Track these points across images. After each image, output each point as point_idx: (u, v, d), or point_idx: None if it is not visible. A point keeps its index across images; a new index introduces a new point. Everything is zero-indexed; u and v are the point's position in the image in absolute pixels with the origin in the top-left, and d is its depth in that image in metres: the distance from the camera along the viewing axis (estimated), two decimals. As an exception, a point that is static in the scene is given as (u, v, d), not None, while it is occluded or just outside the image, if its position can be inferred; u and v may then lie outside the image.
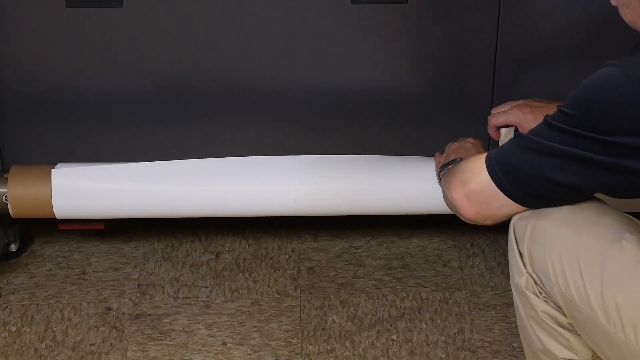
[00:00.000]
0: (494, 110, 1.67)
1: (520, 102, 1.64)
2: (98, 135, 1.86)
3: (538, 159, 1.33)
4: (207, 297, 1.86)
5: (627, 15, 1.33)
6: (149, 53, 1.79)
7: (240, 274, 1.91)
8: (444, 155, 1.67)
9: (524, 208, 1.39)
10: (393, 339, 1.77)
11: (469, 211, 1.43)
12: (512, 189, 1.37)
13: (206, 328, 1.79)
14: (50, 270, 1.92)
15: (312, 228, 2.01)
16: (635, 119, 1.24)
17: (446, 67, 1.82)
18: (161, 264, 1.93)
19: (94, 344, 1.76)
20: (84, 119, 1.85)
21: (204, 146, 1.88)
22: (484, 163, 1.39)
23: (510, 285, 1.87)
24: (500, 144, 1.68)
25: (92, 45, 1.78)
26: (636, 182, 1.29)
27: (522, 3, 1.76)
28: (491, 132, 1.70)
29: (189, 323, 1.80)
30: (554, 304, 1.38)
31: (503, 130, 1.68)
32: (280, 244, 1.98)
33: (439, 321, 1.80)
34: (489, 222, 1.44)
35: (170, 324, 1.80)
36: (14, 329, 1.79)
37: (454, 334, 1.78)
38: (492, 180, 1.38)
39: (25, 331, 1.79)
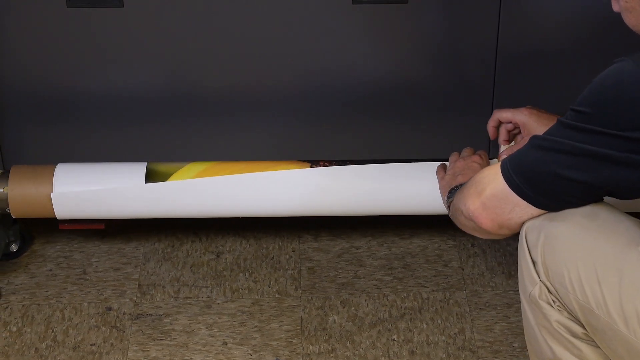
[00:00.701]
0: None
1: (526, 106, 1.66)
2: (98, 135, 1.86)
3: (551, 157, 1.32)
4: (208, 297, 1.86)
5: (630, 20, 1.33)
6: (150, 53, 1.79)
7: (241, 274, 1.91)
8: (448, 173, 1.65)
9: (539, 212, 1.37)
10: (394, 339, 1.77)
11: (486, 219, 1.40)
12: (527, 190, 1.35)
13: (207, 328, 1.79)
14: (50, 270, 1.92)
15: (312, 228, 2.01)
16: None
17: (447, 67, 1.82)
18: (162, 264, 1.93)
19: (94, 344, 1.76)
20: (84, 118, 1.85)
21: (205, 147, 1.88)
22: (499, 169, 1.38)
23: (510, 286, 1.88)
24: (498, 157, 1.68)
25: (92, 45, 1.78)
26: None
27: (523, 2, 1.76)
28: (491, 125, 1.70)
29: (190, 323, 1.80)
30: (568, 312, 1.36)
31: (502, 147, 1.68)
32: (280, 244, 1.98)
33: (439, 321, 1.80)
34: (505, 231, 1.41)
35: (171, 324, 1.80)
36: (14, 329, 1.79)
37: (455, 334, 1.78)
38: (508, 184, 1.36)
39: (25, 331, 1.79)
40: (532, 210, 1.37)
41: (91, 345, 1.76)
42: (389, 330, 1.79)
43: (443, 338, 1.77)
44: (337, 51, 1.79)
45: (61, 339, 1.77)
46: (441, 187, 1.66)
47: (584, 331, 1.35)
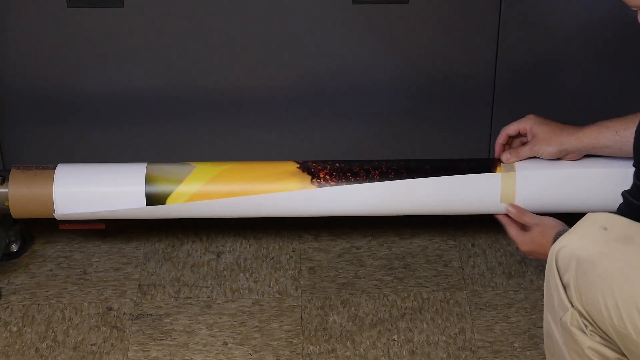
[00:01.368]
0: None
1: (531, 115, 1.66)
2: (99, 135, 1.87)
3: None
4: (208, 297, 1.86)
5: None
6: (150, 53, 1.79)
7: (241, 274, 1.91)
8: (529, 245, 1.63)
9: None
10: (394, 339, 1.77)
11: None
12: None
13: (207, 328, 1.79)
14: (51, 270, 1.92)
15: (313, 228, 2.01)
16: None
17: (447, 67, 1.82)
18: (162, 264, 1.93)
19: (94, 344, 1.76)
20: (84, 119, 1.85)
21: (205, 147, 1.88)
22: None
23: (510, 286, 1.88)
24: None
25: (92, 45, 1.78)
26: None
27: (523, 2, 1.76)
28: (499, 143, 1.70)
29: (190, 323, 1.80)
30: (601, 337, 1.33)
31: (506, 155, 1.69)
32: (281, 244, 1.98)
33: (439, 321, 1.80)
34: None
35: (171, 324, 1.80)
36: (15, 329, 1.79)
37: (455, 334, 1.78)
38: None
39: (26, 331, 1.79)
40: None
41: (91, 345, 1.76)
42: (390, 330, 1.79)
43: (443, 338, 1.77)
44: (337, 51, 1.79)
45: (61, 339, 1.77)
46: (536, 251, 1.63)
47: (618, 356, 1.33)
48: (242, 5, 1.75)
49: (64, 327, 1.80)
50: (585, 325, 1.34)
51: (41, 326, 1.80)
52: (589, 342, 1.34)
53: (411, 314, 1.82)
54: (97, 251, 1.96)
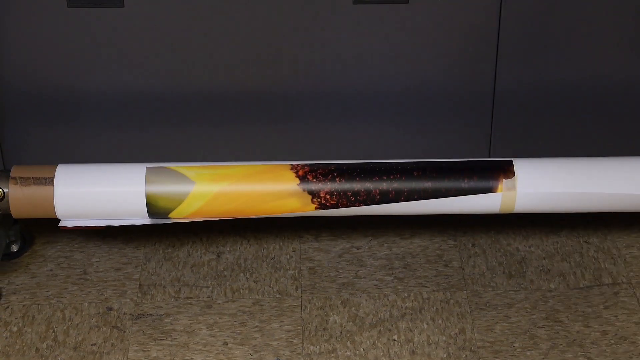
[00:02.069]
0: None
1: None
2: (99, 135, 1.87)
3: None
4: (209, 297, 1.86)
5: None
6: (151, 53, 1.79)
7: (242, 274, 1.91)
8: None
9: None
10: (394, 339, 1.77)
11: None
12: None
13: (207, 328, 1.79)
14: (51, 270, 1.92)
15: (313, 228, 2.01)
16: None
17: (447, 67, 1.82)
18: (162, 264, 1.93)
19: (95, 344, 1.76)
20: (85, 119, 1.85)
21: (206, 147, 1.88)
22: None
23: (511, 286, 1.88)
24: None
25: (93, 45, 1.78)
26: None
27: (524, 2, 1.76)
28: None
29: (190, 323, 1.80)
30: None
31: None
32: (281, 244, 1.98)
33: (440, 321, 1.80)
34: None
35: (172, 324, 1.80)
36: (15, 328, 1.79)
37: (455, 334, 1.78)
38: None
39: (26, 331, 1.79)
40: None
41: (92, 345, 1.76)
42: (390, 330, 1.79)
43: (444, 338, 1.77)
44: (337, 51, 1.79)
45: (62, 339, 1.77)
46: None
47: None
48: (242, 5, 1.74)
49: (64, 327, 1.80)
50: None
51: (41, 326, 1.80)
52: None
53: (411, 314, 1.82)
54: (98, 251, 1.96)
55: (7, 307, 1.84)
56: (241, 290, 1.88)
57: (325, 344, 1.76)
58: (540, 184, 1.71)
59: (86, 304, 1.84)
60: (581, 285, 1.88)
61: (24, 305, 1.84)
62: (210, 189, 1.71)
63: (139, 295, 1.86)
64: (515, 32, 1.78)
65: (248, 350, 1.75)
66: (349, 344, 1.76)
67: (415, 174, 1.71)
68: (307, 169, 1.72)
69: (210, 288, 1.88)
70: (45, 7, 1.74)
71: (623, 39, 1.80)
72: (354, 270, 1.92)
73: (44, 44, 1.77)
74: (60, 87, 1.82)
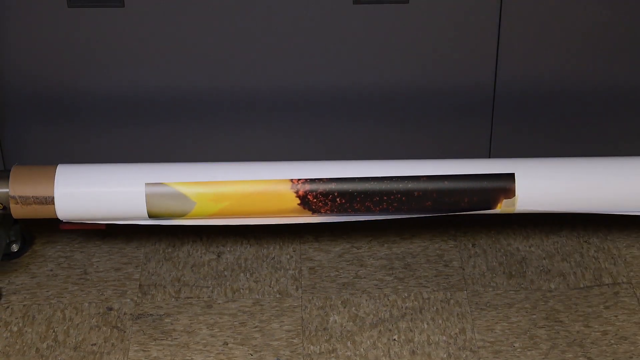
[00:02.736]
0: None
1: None
2: (99, 135, 1.87)
3: None
4: (209, 297, 1.86)
5: None
6: (151, 53, 1.79)
7: (242, 274, 1.91)
8: None
9: None
10: (394, 339, 1.77)
11: None
12: None
13: (207, 328, 1.79)
14: (51, 270, 1.92)
15: (313, 228, 2.01)
16: None
17: (447, 67, 1.82)
18: (162, 264, 1.93)
19: (95, 344, 1.76)
20: (85, 119, 1.85)
21: (206, 147, 1.88)
22: None
23: (511, 286, 1.88)
24: None
25: (93, 45, 1.78)
26: None
27: (524, 2, 1.76)
28: None
29: (191, 323, 1.80)
30: None
31: None
32: (281, 244, 1.98)
33: (440, 321, 1.80)
34: None
35: (172, 324, 1.80)
36: (15, 328, 1.79)
37: (456, 334, 1.78)
38: None
39: (26, 331, 1.79)
40: None
41: (92, 345, 1.76)
42: (390, 330, 1.79)
43: (444, 338, 1.77)
44: (337, 51, 1.79)
45: (62, 339, 1.77)
46: None
47: None
48: (242, 5, 1.75)
49: (65, 327, 1.80)
50: None
51: (42, 326, 1.80)
52: None
53: (412, 314, 1.82)
54: (98, 251, 1.97)
55: (8, 307, 1.84)
56: (241, 290, 1.88)
57: (326, 344, 1.76)
58: (542, 197, 1.71)
59: (86, 304, 1.84)
60: (581, 285, 1.88)
61: (24, 305, 1.84)
62: (211, 209, 1.72)
63: (139, 295, 1.86)
64: (515, 32, 1.78)
65: (248, 350, 1.75)
66: (349, 344, 1.76)
67: (416, 194, 1.71)
68: (307, 187, 1.71)
69: (211, 288, 1.88)
70: (45, 7, 1.74)
71: (623, 39, 1.80)
72: (354, 270, 1.92)
73: (44, 44, 1.77)
74: (60, 87, 1.82)
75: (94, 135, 1.87)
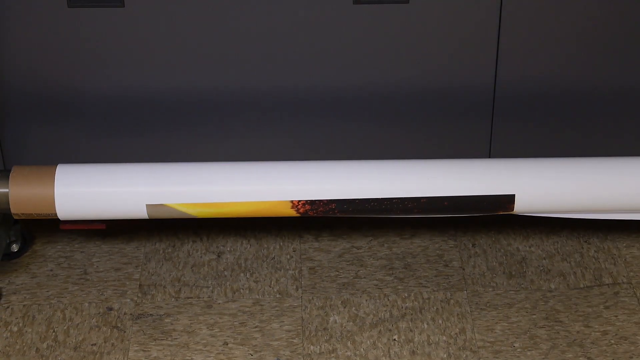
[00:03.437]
0: None
1: None
2: (99, 135, 1.87)
3: None
4: (209, 297, 1.86)
5: None
6: (151, 53, 1.79)
7: (242, 274, 1.91)
8: None
9: None
10: (394, 339, 1.77)
11: None
12: None
13: (207, 328, 1.79)
14: (51, 270, 1.92)
15: (313, 228, 2.01)
16: None
17: (447, 67, 1.82)
18: (162, 264, 1.93)
19: (95, 344, 1.76)
20: (85, 119, 1.85)
21: (206, 147, 1.88)
22: None
23: (511, 286, 1.88)
24: None
25: (93, 45, 1.78)
26: None
27: (524, 2, 1.76)
28: None
29: (191, 323, 1.80)
30: None
31: None
32: (281, 244, 1.98)
33: (440, 321, 1.80)
34: None
35: (172, 324, 1.80)
36: (15, 329, 1.80)
37: (456, 334, 1.78)
38: None
39: (26, 331, 1.79)
40: None
41: (92, 345, 1.76)
42: (390, 330, 1.79)
43: (444, 338, 1.77)
44: (337, 51, 1.79)
45: (62, 339, 1.77)
46: None
47: None
48: (242, 5, 1.75)
49: (65, 327, 1.80)
50: None
51: (42, 326, 1.80)
52: None
53: (412, 314, 1.82)
54: (98, 251, 1.97)
55: (8, 307, 1.84)
56: (241, 290, 1.88)
57: (326, 344, 1.76)
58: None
59: (86, 304, 1.85)
60: (581, 285, 1.88)
61: (24, 305, 1.84)
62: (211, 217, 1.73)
63: (139, 295, 1.86)
64: (515, 32, 1.78)
65: (248, 350, 1.75)
66: (349, 344, 1.76)
67: (415, 211, 1.71)
68: (307, 207, 1.71)
69: (211, 288, 1.88)
70: (46, 7, 1.74)
71: (623, 39, 1.80)
72: (354, 270, 1.92)
73: (44, 44, 1.77)
74: (60, 87, 1.82)
75: (94, 135, 1.87)
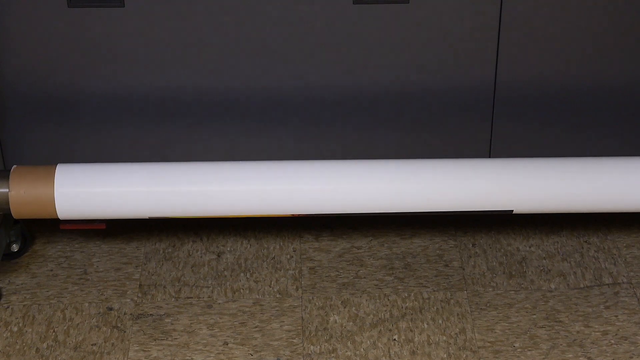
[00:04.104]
0: None
1: None
2: (99, 135, 1.87)
3: None
4: (209, 297, 1.86)
5: None
6: (151, 53, 1.79)
7: (242, 274, 1.91)
8: None
9: None
10: (394, 339, 1.77)
11: None
12: None
13: (208, 328, 1.79)
14: (51, 270, 1.92)
15: (313, 228, 2.01)
16: None
17: (448, 68, 1.82)
18: (163, 264, 1.93)
19: (95, 344, 1.76)
20: (85, 118, 1.85)
21: (206, 147, 1.88)
22: None
23: (511, 286, 1.88)
24: None
25: (93, 45, 1.78)
26: None
27: (524, 2, 1.76)
28: None
29: (191, 323, 1.80)
30: None
31: None
32: (281, 244, 1.98)
33: (440, 321, 1.80)
34: None
35: (172, 324, 1.80)
36: (15, 329, 1.80)
37: (456, 334, 1.78)
38: None
39: (26, 331, 1.79)
40: None
41: (92, 345, 1.76)
42: (390, 330, 1.79)
43: (444, 338, 1.77)
44: (337, 51, 1.79)
45: (62, 339, 1.77)
46: None
47: None
48: (243, 5, 1.75)
49: (65, 327, 1.80)
50: None
51: (42, 326, 1.80)
52: None
53: (412, 314, 1.82)
54: (98, 251, 1.97)
55: (8, 307, 1.84)
56: (241, 290, 1.88)
57: (326, 344, 1.76)
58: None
59: (86, 304, 1.85)
60: (581, 285, 1.88)
61: (24, 305, 1.84)
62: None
63: (140, 295, 1.86)
64: (515, 32, 1.78)
65: (248, 350, 1.75)
66: (349, 344, 1.76)
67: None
68: (305, 217, 1.72)
69: (211, 288, 1.88)
70: (46, 7, 1.74)
71: (623, 39, 1.80)
72: (354, 270, 1.92)
73: (44, 44, 1.77)
74: (60, 87, 1.82)
75: (94, 135, 1.87)
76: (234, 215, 1.77)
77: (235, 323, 1.80)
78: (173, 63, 1.80)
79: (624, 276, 1.89)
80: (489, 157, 1.89)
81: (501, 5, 1.76)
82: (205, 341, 1.77)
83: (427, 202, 1.73)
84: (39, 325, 1.80)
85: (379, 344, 1.76)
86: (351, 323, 1.80)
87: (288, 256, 1.95)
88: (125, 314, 1.82)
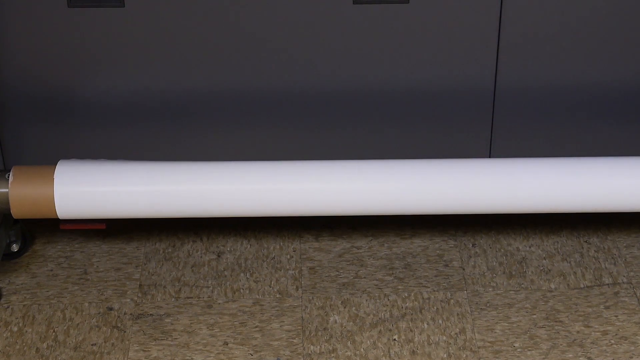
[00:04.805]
0: None
1: None
2: (99, 135, 1.87)
3: None
4: (209, 297, 1.86)
5: None
6: (151, 53, 1.79)
7: (242, 274, 1.91)
8: None
9: None
10: (395, 339, 1.77)
11: None
12: None
13: (207, 328, 1.79)
14: (51, 270, 1.92)
15: (313, 228, 2.01)
16: None
17: (447, 67, 1.82)
18: (163, 264, 1.93)
19: (95, 344, 1.76)
20: (85, 118, 1.85)
21: (206, 147, 1.88)
22: None
23: (511, 286, 1.88)
24: None
25: (93, 45, 1.78)
26: None
27: (524, 2, 1.76)
28: None
29: (191, 323, 1.80)
30: None
31: None
32: (281, 244, 1.98)
33: (440, 321, 1.80)
34: None
35: (172, 324, 1.80)
36: (15, 328, 1.80)
37: (456, 334, 1.78)
38: None
39: (26, 331, 1.79)
40: None
41: (92, 345, 1.76)
42: (390, 330, 1.79)
43: (444, 338, 1.77)
44: (337, 51, 1.79)
45: (62, 338, 1.78)
46: None
47: None
48: (242, 5, 1.75)
49: (65, 327, 1.80)
50: None
51: (42, 326, 1.80)
52: None
53: (412, 314, 1.82)
54: (98, 251, 1.97)
55: (8, 307, 1.84)
56: (241, 290, 1.88)
57: (326, 344, 1.76)
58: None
59: (86, 304, 1.85)
60: (581, 285, 1.88)
61: (24, 305, 1.84)
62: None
63: (140, 295, 1.86)
64: (515, 32, 1.79)
65: (248, 350, 1.75)
66: (349, 343, 1.76)
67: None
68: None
69: (211, 288, 1.88)
70: (46, 7, 1.74)
71: (623, 40, 1.80)
72: (354, 270, 1.92)
73: (44, 44, 1.77)
74: (60, 87, 1.82)
75: (94, 135, 1.87)
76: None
77: (235, 323, 1.80)
78: (173, 63, 1.80)
79: (624, 276, 1.89)
80: (489, 157, 1.89)
81: (501, 5, 1.76)
82: (205, 341, 1.77)
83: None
84: (39, 325, 1.80)
85: (379, 344, 1.76)
86: (351, 323, 1.80)
87: (288, 256, 1.95)
88: (125, 314, 1.82)
